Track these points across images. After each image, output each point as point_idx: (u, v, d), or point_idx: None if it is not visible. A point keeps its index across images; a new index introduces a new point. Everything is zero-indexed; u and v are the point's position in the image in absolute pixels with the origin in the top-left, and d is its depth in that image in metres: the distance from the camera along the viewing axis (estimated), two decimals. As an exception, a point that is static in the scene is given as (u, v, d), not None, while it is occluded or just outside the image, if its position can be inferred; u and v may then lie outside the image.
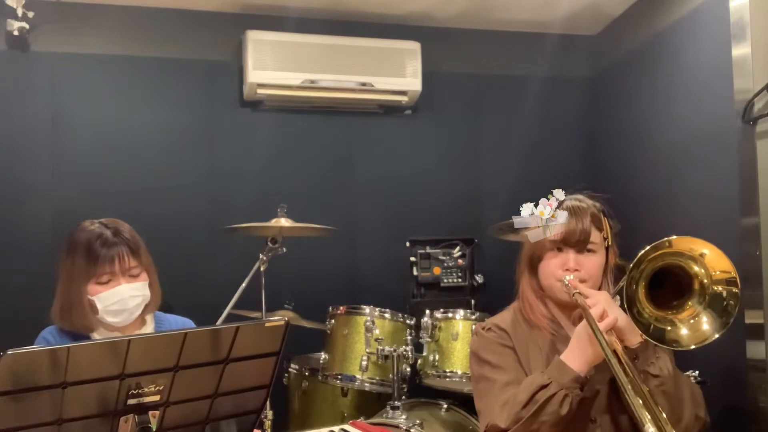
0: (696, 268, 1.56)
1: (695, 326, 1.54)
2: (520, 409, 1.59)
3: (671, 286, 1.59)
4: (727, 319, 1.53)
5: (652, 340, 1.54)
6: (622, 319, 1.57)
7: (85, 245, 1.86)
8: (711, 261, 1.55)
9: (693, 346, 1.54)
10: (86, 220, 1.94)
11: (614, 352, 1.51)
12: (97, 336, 1.91)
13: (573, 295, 1.65)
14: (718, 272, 1.54)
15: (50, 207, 3.24)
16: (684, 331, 1.55)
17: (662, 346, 1.56)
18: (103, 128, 3.35)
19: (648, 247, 1.54)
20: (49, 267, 3.12)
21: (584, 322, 1.59)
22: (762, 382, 2.51)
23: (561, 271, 1.73)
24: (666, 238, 1.55)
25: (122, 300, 1.85)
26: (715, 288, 1.55)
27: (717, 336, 1.53)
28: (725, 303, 1.53)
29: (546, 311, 1.80)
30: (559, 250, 1.75)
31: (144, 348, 1.22)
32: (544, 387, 1.59)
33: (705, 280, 1.55)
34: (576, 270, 1.72)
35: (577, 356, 1.59)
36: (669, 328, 1.55)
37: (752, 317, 2.55)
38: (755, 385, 2.53)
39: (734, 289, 1.53)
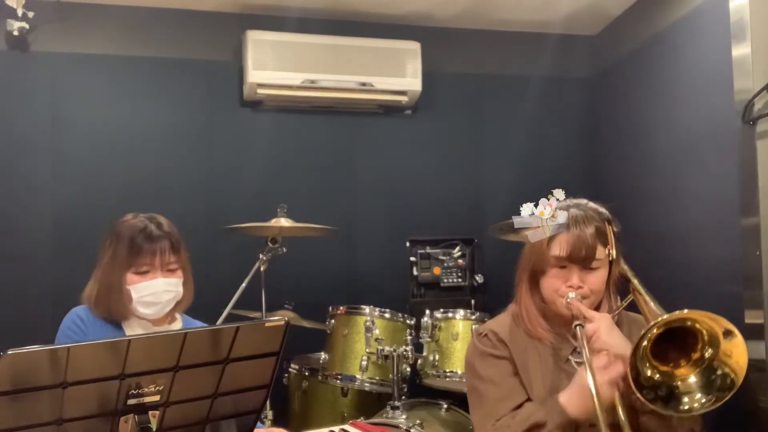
0: (707, 346, 1.51)
1: (686, 386, 1.52)
2: None
3: (677, 340, 1.54)
4: (711, 396, 1.48)
5: (655, 407, 1.50)
6: (622, 346, 1.55)
7: (129, 237, 1.92)
8: (734, 345, 1.49)
9: (685, 407, 1.50)
10: (129, 214, 2.01)
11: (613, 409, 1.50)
12: (132, 324, 1.97)
13: (575, 336, 1.62)
14: (729, 357, 1.49)
15: (50, 207, 3.24)
16: (683, 389, 1.51)
17: (660, 411, 1.52)
18: (103, 128, 3.35)
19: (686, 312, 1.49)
20: (50, 267, 3.14)
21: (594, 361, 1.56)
22: (762, 382, 2.51)
23: (564, 287, 1.71)
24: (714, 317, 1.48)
25: (156, 293, 1.91)
26: (715, 363, 1.50)
27: (703, 399, 1.49)
28: (712, 377, 1.49)
29: (547, 325, 1.78)
30: (563, 266, 1.72)
31: (144, 348, 1.22)
32: (539, 427, 1.59)
33: (707, 354, 1.51)
34: (579, 287, 1.71)
35: (577, 403, 1.57)
36: (674, 383, 1.52)
37: (752, 317, 2.55)
38: (755, 385, 2.53)
39: (732, 377, 1.49)
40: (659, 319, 1.48)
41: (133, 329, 1.97)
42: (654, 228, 3.19)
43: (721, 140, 2.77)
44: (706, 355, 1.51)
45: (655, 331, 1.49)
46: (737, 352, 1.49)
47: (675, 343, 1.55)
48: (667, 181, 3.16)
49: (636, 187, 3.37)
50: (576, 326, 1.64)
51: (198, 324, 2.10)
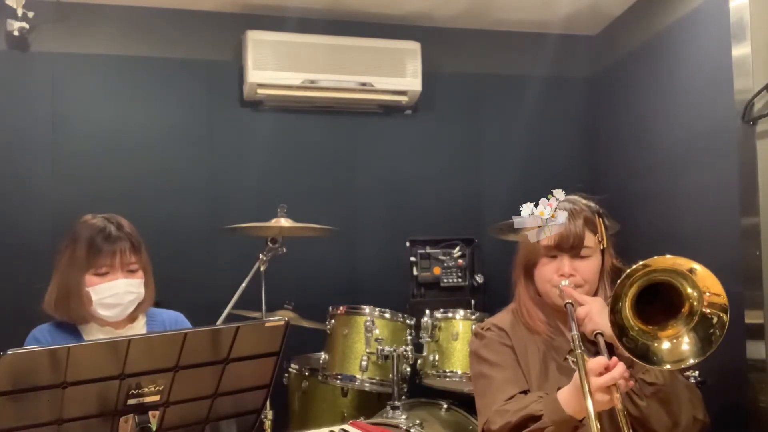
0: (689, 290, 1.50)
1: (676, 346, 1.50)
2: (509, 429, 1.61)
3: (661, 301, 1.54)
4: (708, 348, 1.48)
5: (634, 358, 1.49)
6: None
7: (88, 238, 1.87)
8: (703, 279, 1.48)
9: (668, 366, 1.49)
10: (88, 215, 1.96)
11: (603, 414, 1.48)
12: (92, 330, 1.92)
13: (570, 357, 1.60)
14: (709, 294, 1.48)
15: (50, 207, 3.24)
16: (665, 348, 1.50)
17: (642, 363, 1.51)
18: (103, 128, 3.35)
19: (639, 263, 1.49)
20: (50, 267, 3.12)
21: (588, 365, 1.52)
22: (762, 382, 2.51)
23: (556, 276, 1.72)
24: (658, 257, 1.49)
25: (118, 294, 1.86)
26: (705, 310, 1.49)
27: (694, 361, 1.48)
28: (711, 330, 1.48)
29: (544, 317, 1.79)
30: (554, 256, 1.74)
31: (144, 348, 1.22)
32: (535, 418, 1.58)
33: (695, 303, 1.50)
34: (571, 275, 1.71)
35: (574, 402, 1.55)
36: (653, 344, 1.51)
37: (752, 317, 2.55)
38: (755, 385, 2.53)
39: (724, 317, 1.47)
40: (628, 270, 1.49)
41: (93, 336, 1.91)
42: (654, 228, 3.20)
43: (721, 140, 2.77)
44: (695, 302, 1.50)
45: (629, 289, 1.49)
46: (711, 282, 1.48)
47: (660, 307, 1.54)
48: (667, 181, 3.16)
49: (636, 187, 3.37)
50: (566, 304, 1.65)
51: (165, 314, 2.06)
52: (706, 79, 2.89)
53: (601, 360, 1.50)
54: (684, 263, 1.49)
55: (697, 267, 1.48)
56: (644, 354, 1.50)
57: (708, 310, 1.49)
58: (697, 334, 1.50)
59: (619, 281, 1.50)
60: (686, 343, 1.50)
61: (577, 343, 1.53)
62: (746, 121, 2.61)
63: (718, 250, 2.76)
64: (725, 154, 2.74)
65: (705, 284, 1.48)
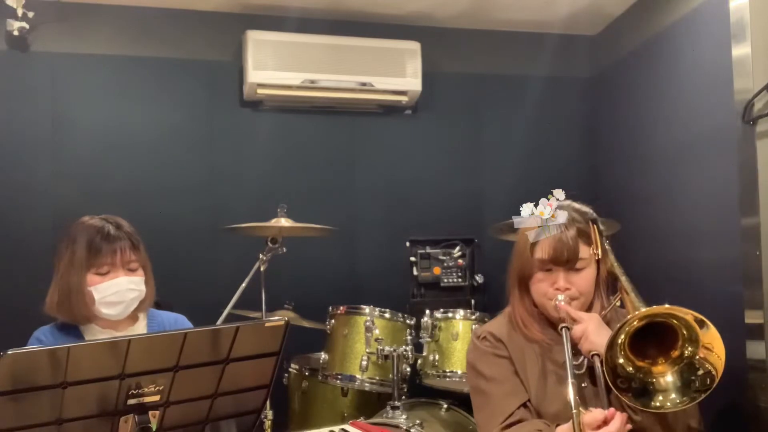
0: (686, 334, 1.48)
1: (664, 385, 1.50)
2: None
3: (657, 337, 1.53)
4: (687, 391, 1.46)
5: (633, 404, 1.47)
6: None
7: (87, 238, 1.89)
8: (711, 338, 1.46)
9: (657, 405, 1.48)
10: (85, 216, 1.97)
11: None
12: (93, 332, 1.92)
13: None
14: (709, 349, 1.47)
15: (50, 207, 3.24)
16: (656, 387, 1.49)
17: (633, 404, 1.49)
18: (103, 128, 3.35)
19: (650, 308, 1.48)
20: (50, 266, 3.12)
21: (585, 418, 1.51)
22: (762, 382, 2.51)
23: (552, 290, 1.72)
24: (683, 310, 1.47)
25: (120, 292, 1.87)
26: (695, 357, 1.47)
27: (675, 397, 1.47)
28: (693, 378, 1.47)
29: (540, 327, 1.78)
30: (548, 269, 1.73)
31: (144, 348, 1.22)
32: None
33: (687, 351, 1.49)
34: (567, 289, 1.71)
35: None
36: (648, 379, 1.50)
37: (752, 317, 2.55)
38: (755, 385, 2.53)
39: (714, 373, 1.45)
40: (634, 313, 1.48)
41: (94, 337, 1.91)
42: (654, 228, 3.19)
43: (721, 140, 2.77)
44: (686, 353, 1.49)
45: (635, 323, 1.48)
46: (717, 344, 1.46)
47: (655, 341, 1.53)
48: (667, 181, 3.16)
49: (636, 187, 3.37)
50: (562, 328, 1.64)
51: (164, 316, 2.07)
52: (706, 79, 2.89)
53: (598, 414, 1.49)
54: (696, 315, 1.47)
55: (710, 324, 1.46)
56: (641, 393, 1.49)
57: (698, 358, 1.48)
58: (680, 377, 1.49)
59: (611, 338, 1.48)
60: (670, 384, 1.50)
61: (575, 398, 1.50)
62: (746, 121, 2.61)
63: (718, 250, 2.76)
64: (725, 154, 2.73)
65: (710, 340, 1.47)
